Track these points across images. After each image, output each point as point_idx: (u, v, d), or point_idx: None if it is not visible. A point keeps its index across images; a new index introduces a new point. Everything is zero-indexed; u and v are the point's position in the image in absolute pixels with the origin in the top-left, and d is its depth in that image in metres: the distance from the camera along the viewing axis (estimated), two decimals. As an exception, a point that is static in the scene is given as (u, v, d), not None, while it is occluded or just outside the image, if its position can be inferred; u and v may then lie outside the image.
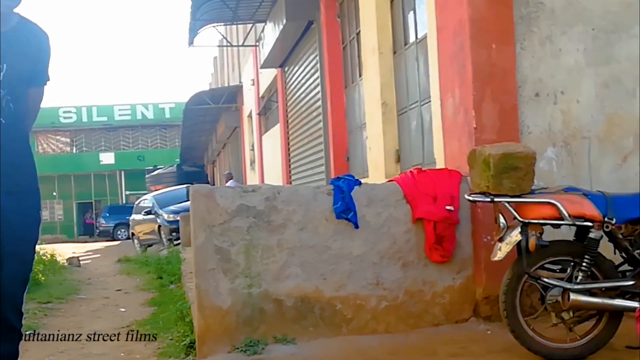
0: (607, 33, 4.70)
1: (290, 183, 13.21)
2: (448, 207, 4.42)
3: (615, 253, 3.71)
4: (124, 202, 39.13)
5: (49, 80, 3.00)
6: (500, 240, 3.62)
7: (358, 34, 8.30)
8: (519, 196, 3.58)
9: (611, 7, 4.71)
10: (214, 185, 23.57)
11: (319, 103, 10.57)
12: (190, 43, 15.05)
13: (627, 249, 3.64)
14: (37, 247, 3.02)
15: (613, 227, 3.56)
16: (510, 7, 4.60)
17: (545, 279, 3.59)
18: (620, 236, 3.62)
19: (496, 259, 3.62)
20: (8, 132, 2.80)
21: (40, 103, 3.03)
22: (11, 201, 2.78)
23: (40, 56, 2.93)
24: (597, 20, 4.69)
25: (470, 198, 3.80)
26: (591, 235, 3.56)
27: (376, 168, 7.38)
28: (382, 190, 4.55)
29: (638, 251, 3.63)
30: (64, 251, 17.20)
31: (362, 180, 4.66)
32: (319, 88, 10.53)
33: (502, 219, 3.63)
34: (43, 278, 10.38)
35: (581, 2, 4.69)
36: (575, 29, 4.68)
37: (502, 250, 3.60)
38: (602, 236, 3.58)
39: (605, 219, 3.54)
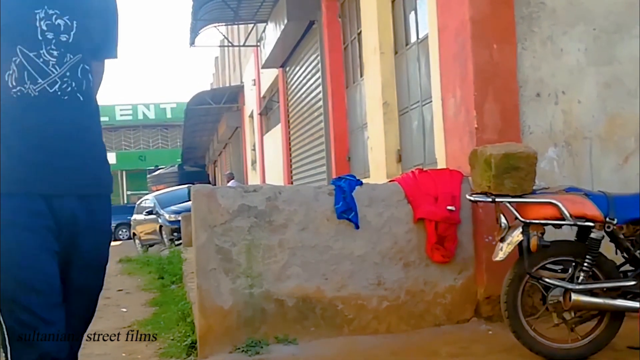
0: (609, 33, 4.69)
1: (292, 183, 13.21)
2: (449, 207, 4.42)
3: (616, 253, 3.70)
4: (125, 202, 39.15)
5: (115, 57, 2.33)
6: (502, 240, 3.61)
7: (359, 34, 8.31)
8: (520, 196, 3.58)
9: (613, 7, 4.71)
10: (215, 185, 23.56)
11: (320, 103, 10.57)
12: (192, 43, 15.04)
13: (628, 249, 3.63)
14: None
15: (614, 227, 3.55)
16: (511, 7, 4.59)
17: (547, 279, 3.59)
18: (622, 236, 3.61)
19: (497, 259, 3.61)
20: (89, 116, 2.17)
21: (101, 83, 2.33)
22: (83, 211, 2.18)
23: (110, 22, 2.27)
24: (598, 20, 4.69)
25: (472, 198, 3.80)
26: (592, 235, 3.55)
27: (377, 168, 7.39)
28: (384, 191, 4.54)
29: (639, 251, 3.63)
30: (65, 251, 17.17)
31: (364, 181, 4.66)
32: (320, 88, 10.54)
33: (503, 219, 3.63)
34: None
35: (582, 2, 4.69)
36: (577, 29, 4.68)
37: (503, 251, 3.59)
38: (603, 236, 3.57)
39: (607, 219, 3.53)
